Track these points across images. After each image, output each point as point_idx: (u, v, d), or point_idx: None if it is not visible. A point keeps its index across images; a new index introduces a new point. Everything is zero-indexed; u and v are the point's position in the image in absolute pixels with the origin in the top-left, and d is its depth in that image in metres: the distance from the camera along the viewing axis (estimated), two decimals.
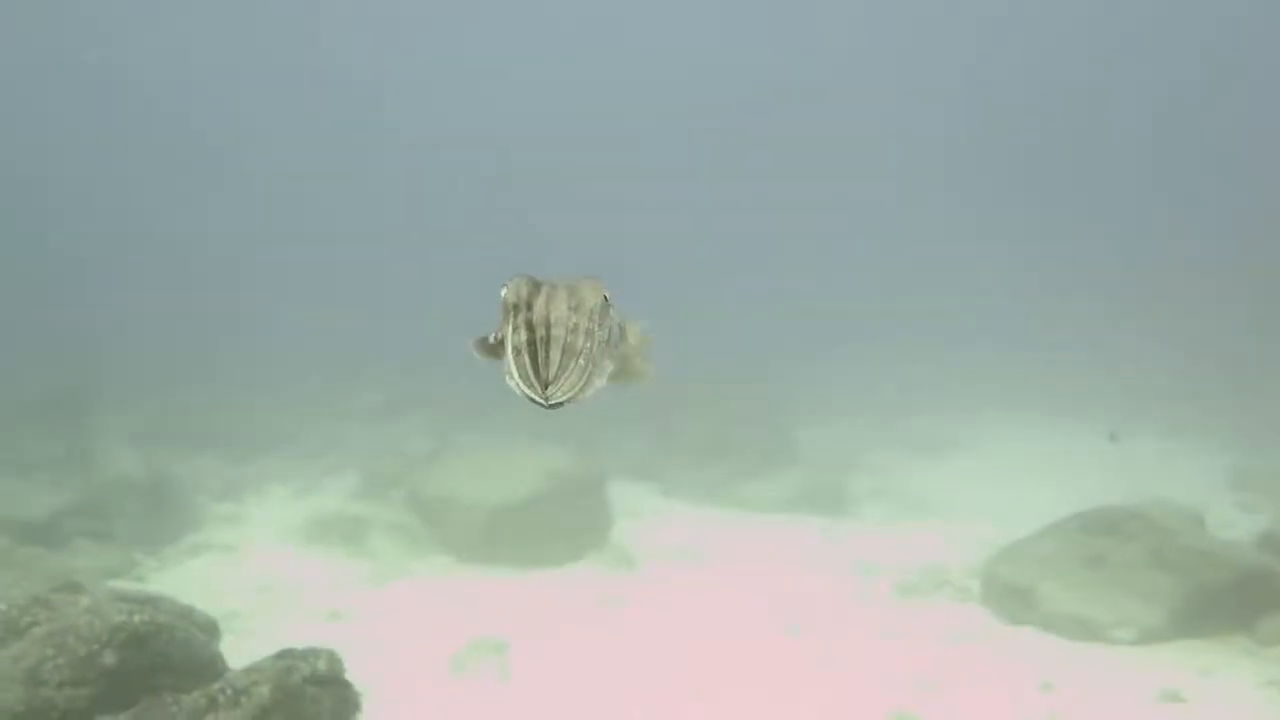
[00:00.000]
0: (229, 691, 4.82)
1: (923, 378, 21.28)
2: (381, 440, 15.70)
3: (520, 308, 1.96)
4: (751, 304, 29.38)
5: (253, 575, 10.15)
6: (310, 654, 5.18)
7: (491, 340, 2.08)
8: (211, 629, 6.42)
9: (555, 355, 1.89)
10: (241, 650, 6.22)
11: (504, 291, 2.00)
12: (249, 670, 5.06)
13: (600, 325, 1.99)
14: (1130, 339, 21.82)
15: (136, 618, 5.18)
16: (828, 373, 21.20)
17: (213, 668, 5.47)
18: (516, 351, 1.91)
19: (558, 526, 11.46)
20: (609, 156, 44.43)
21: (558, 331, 1.91)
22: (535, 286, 1.99)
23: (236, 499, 13.01)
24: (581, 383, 1.89)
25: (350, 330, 22.62)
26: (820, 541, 12.29)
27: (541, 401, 1.86)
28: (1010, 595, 9.47)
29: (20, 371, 15.47)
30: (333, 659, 5.22)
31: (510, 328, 1.95)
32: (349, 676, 5.35)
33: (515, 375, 1.89)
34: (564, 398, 1.86)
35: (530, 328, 1.92)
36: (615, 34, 46.04)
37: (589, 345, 1.93)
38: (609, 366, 2.03)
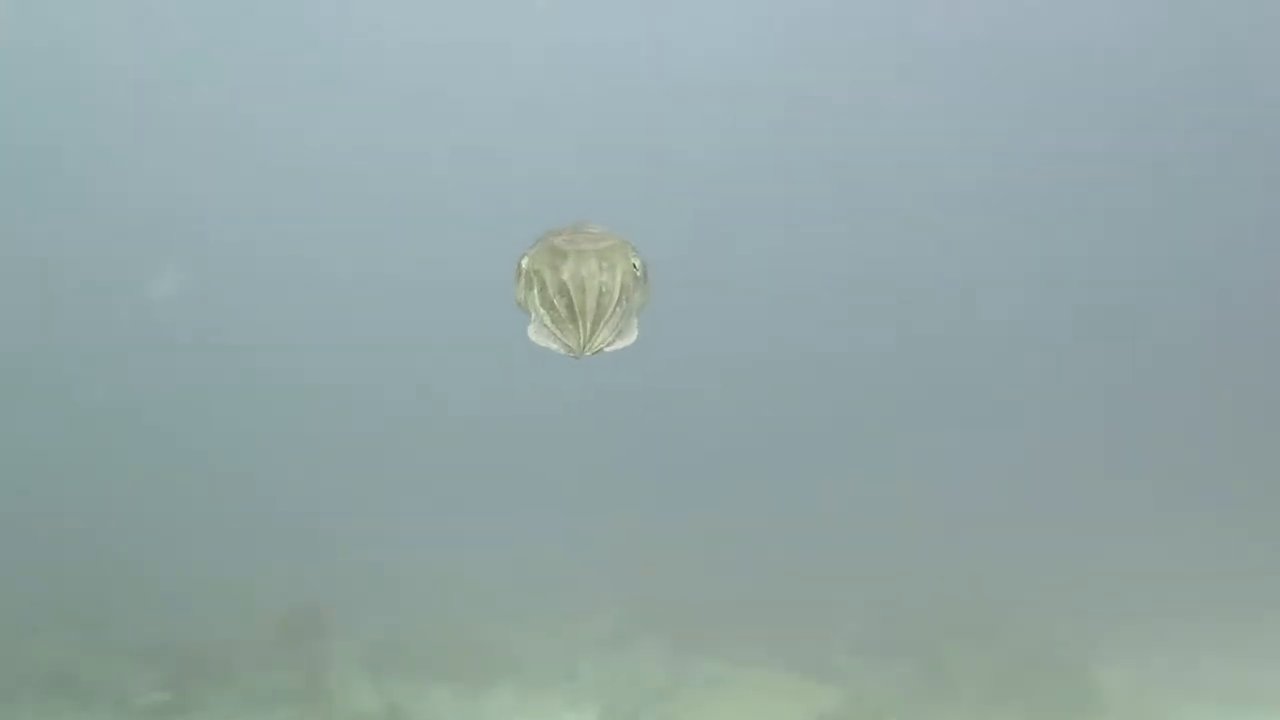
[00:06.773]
0: None
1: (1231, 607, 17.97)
2: (615, 667, 14.47)
3: (543, 273, 1.97)
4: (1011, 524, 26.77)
5: None
6: None
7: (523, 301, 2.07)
8: None
9: (590, 306, 1.93)
10: None
11: (524, 261, 2.02)
12: None
13: (634, 289, 2.02)
14: None
15: None
16: (1120, 595, 18.29)
17: None
18: (550, 307, 1.96)
19: None
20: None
21: (591, 294, 1.94)
22: (559, 253, 1.98)
23: None
24: (611, 338, 1.99)
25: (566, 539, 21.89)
26: None
27: (576, 353, 1.97)
28: None
29: (257, 596, 15.35)
30: None
31: (535, 292, 1.99)
32: None
33: (550, 325, 1.97)
34: (593, 351, 1.97)
35: (562, 289, 1.95)
36: None
37: (624, 304, 1.97)
38: (634, 325, 2.09)
